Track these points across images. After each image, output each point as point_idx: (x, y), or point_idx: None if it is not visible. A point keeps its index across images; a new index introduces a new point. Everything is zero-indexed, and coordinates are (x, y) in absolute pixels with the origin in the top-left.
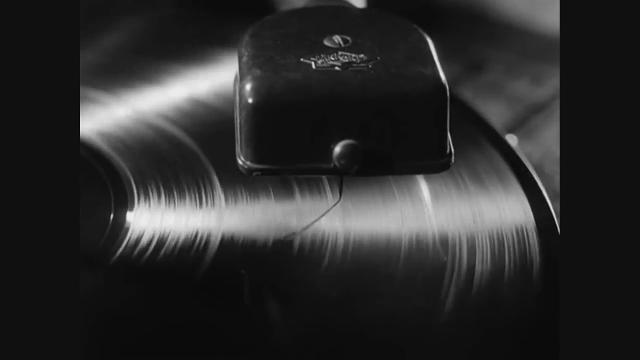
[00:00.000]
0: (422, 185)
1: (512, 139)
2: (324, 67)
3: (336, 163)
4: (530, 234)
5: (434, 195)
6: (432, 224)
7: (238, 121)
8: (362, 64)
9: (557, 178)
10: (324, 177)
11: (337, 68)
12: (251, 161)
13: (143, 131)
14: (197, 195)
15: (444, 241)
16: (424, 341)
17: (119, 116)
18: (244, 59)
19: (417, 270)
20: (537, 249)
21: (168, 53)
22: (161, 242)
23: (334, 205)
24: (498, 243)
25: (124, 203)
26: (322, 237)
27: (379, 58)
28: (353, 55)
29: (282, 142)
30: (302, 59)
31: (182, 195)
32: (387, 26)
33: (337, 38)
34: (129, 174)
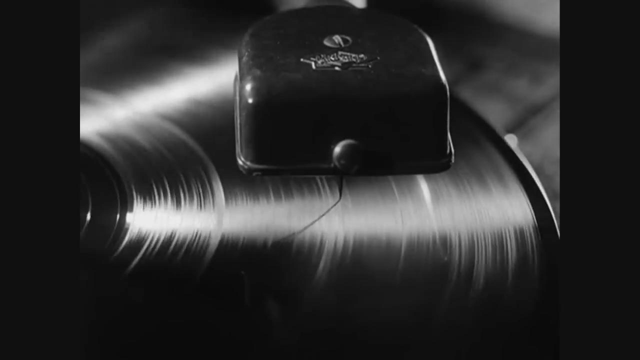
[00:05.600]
0: (422, 185)
1: (512, 139)
2: (324, 67)
3: (336, 163)
4: (530, 234)
5: (434, 195)
6: (432, 224)
7: (238, 121)
8: (362, 64)
9: (557, 178)
10: (323, 177)
11: (337, 68)
12: (251, 161)
13: (143, 131)
14: (197, 195)
15: (444, 241)
16: (424, 341)
17: (119, 116)
18: (244, 59)
19: (417, 270)
20: (537, 249)
21: (168, 53)
22: (161, 242)
23: (334, 205)
24: (498, 243)
25: (124, 204)
26: (321, 237)
27: (379, 58)
28: (353, 55)
29: (282, 142)
30: (302, 59)
31: (182, 196)
32: (387, 26)
33: (337, 38)
34: (128, 174)
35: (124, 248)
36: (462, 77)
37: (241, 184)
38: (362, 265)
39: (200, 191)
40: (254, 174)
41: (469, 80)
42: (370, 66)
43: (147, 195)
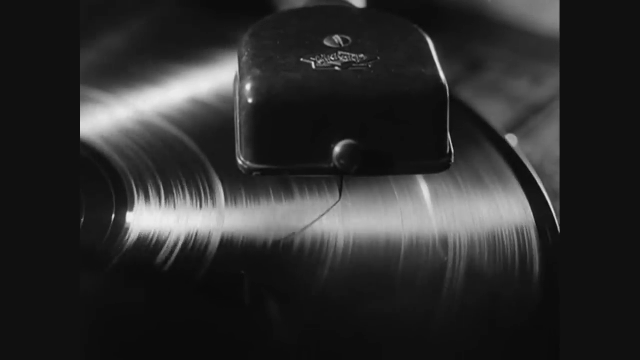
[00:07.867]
0: (422, 185)
1: (512, 139)
2: (324, 67)
3: (336, 163)
4: (530, 234)
5: (434, 195)
6: (432, 224)
7: (238, 121)
8: (362, 64)
9: (557, 178)
10: (324, 177)
11: (337, 68)
12: (251, 161)
13: (143, 131)
14: (197, 195)
15: (444, 241)
16: (424, 341)
17: (120, 116)
18: (244, 59)
19: (417, 271)
20: (537, 249)
21: (168, 53)
22: (161, 242)
23: (334, 205)
24: (498, 243)
25: (124, 203)
26: (322, 237)
27: (379, 58)
28: (353, 55)
29: (282, 142)
30: (302, 59)
31: (182, 196)
32: (387, 26)
33: (337, 38)
34: (129, 174)
35: (124, 248)
36: (462, 77)
37: (241, 184)
38: (362, 265)
39: (200, 191)
40: (254, 174)
41: (469, 80)
42: (370, 66)
43: (148, 195)
